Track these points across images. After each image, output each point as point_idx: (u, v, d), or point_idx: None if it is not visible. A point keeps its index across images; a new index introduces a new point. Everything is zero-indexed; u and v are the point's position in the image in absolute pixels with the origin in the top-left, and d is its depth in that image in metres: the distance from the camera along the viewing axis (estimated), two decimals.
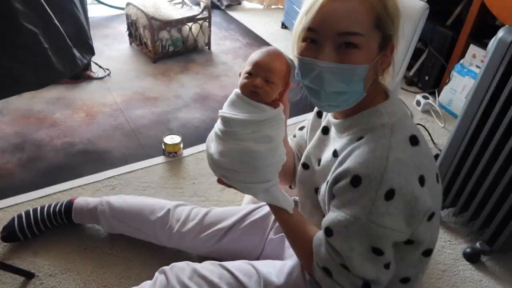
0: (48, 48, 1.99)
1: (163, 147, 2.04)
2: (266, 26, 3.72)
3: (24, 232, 1.51)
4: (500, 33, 1.38)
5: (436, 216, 0.88)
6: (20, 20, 1.63)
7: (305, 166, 1.06)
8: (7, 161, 1.93)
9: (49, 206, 1.56)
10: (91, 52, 2.43)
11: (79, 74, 2.57)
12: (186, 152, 2.09)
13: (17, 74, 1.71)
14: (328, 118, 1.01)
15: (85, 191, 1.81)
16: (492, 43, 1.41)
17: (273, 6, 4.24)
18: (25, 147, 2.03)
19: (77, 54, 2.22)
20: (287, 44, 3.37)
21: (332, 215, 0.85)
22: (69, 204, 1.56)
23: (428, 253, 0.93)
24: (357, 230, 0.81)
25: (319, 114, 1.12)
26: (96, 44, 2.54)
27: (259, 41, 3.42)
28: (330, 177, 0.88)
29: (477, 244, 1.64)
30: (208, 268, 1.14)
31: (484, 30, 2.39)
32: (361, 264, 0.83)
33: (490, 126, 1.47)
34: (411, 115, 0.93)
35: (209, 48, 3.20)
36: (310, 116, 1.15)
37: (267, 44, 3.38)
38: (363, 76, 0.81)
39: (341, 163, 0.85)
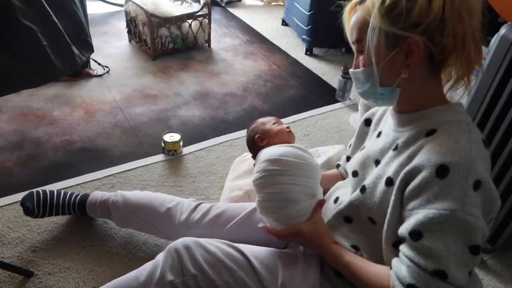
0: (46, 45, 1.99)
1: (163, 145, 2.03)
2: (267, 23, 3.71)
3: (39, 210, 1.54)
4: (503, 30, 1.37)
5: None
6: (18, 16, 1.62)
7: (363, 189, 0.96)
8: (5, 159, 1.93)
9: (65, 194, 1.59)
10: (90, 49, 2.42)
11: (78, 71, 2.57)
12: (185, 150, 2.09)
13: (15, 71, 1.71)
14: (386, 116, 1.05)
15: (84, 190, 1.80)
16: (494, 40, 1.40)
17: (273, 3, 4.24)
18: (24, 145, 2.03)
19: (76, 51, 2.22)
20: (287, 41, 3.38)
21: (417, 217, 0.78)
22: (85, 197, 1.58)
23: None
24: (454, 224, 0.75)
25: (367, 122, 1.13)
26: (95, 41, 2.54)
27: (260, 38, 3.42)
28: (395, 177, 0.84)
29: None
30: (226, 251, 1.10)
31: (486, 27, 2.38)
32: (456, 267, 0.75)
33: (492, 124, 1.47)
34: None
35: (209, 45, 3.19)
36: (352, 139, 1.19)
37: (268, 41, 3.38)
38: (375, 77, 0.88)
39: (410, 158, 0.83)
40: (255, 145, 1.31)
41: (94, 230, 1.62)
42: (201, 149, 2.11)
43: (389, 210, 0.86)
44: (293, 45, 3.36)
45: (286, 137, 1.28)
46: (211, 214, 1.33)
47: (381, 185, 0.89)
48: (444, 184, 0.76)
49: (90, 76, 2.65)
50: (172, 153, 2.03)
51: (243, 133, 2.23)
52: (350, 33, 0.93)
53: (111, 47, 3.06)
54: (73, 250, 1.54)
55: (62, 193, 1.60)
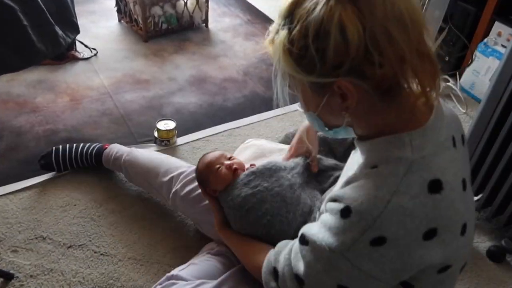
0: (27, 26, 1.97)
1: (156, 134, 2.02)
2: (270, 1, 3.67)
3: (59, 165, 1.81)
4: None
5: (452, 270, 0.82)
6: None
7: None
8: None
9: (83, 146, 1.84)
10: (76, 30, 2.41)
11: (63, 54, 2.54)
12: (180, 140, 2.07)
13: None
14: None
15: (70, 183, 1.79)
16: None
17: None
18: (3, 135, 2.01)
19: (60, 32, 2.20)
20: None
21: (314, 229, 0.83)
22: (101, 149, 1.81)
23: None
24: (329, 259, 0.78)
25: None
26: (81, 21, 2.52)
27: (262, 18, 3.39)
28: (332, 192, 0.86)
29: (502, 242, 1.62)
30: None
31: (510, 6, 2.35)
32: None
33: (507, 130, 1.45)
34: (453, 143, 0.84)
35: (206, 25, 3.17)
36: None
37: (271, 21, 3.34)
38: (320, 121, 0.85)
39: (346, 183, 0.82)
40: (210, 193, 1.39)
41: (80, 227, 1.61)
42: (197, 139, 2.10)
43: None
44: None
45: (233, 178, 1.31)
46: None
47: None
48: (340, 224, 0.77)
49: (76, 59, 2.63)
50: (165, 143, 2.02)
51: (243, 121, 2.22)
52: None
53: (99, 27, 3.03)
54: (57, 250, 1.53)
55: (81, 145, 1.84)
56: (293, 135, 1.87)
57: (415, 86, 0.75)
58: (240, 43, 2.99)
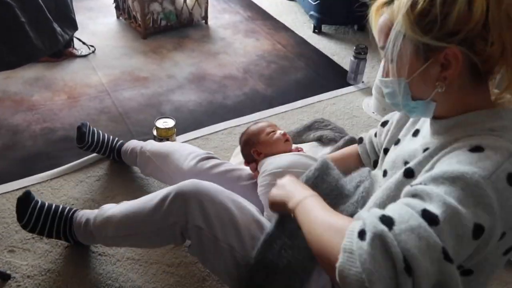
0: (25, 22, 1.96)
1: (154, 132, 2.01)
2: None
3: (89, 140, 1.79)
4: None
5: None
6: None
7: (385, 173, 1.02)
8: None
9: (114, 138, 1.87)
10: (74, 26, 2.40)
11: (60, 51, 2.54)
12: (179, 139, 2.06)
13: None
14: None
15: (67, 182, 1.79)
16: None
17: None
18: None
19: (58, 28, 2.19)
20: (293, 18, 3.34)
21: (429, 173, 0.73)
22: (122, 144, 1.84)
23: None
24: (468, 188, 0.68)
25: None
26: (79, 18, 2.52)
27: (263, 15, 3.38)
28: (423, 159, 0.84)
29: None
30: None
31: None
32: (449, 230, 0.66)
33: None
34: None
35: (206, 22, 3.16)
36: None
37: (271, 17, 3.34)
38: (406, 90, 0.85)
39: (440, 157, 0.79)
40: (250, 157, 1.39)
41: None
42: (196, 138, 2.09)
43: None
44: (299, 22, 3.33)
45: (283, 147, 1.33)
46: (222, 168, 1.46)
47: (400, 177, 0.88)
48: (472, 157, 0.72)
49: (74, 56, 2.62)
50: (164, 141, 2.01)
51: (243, 120, 2.21)
52: (377, 37, 0.90)
53: (97, 24, 3.03)
54: (55, 251, 1.53)
55: (112, 137, 1.87)
56: (294, 134, 1.88)
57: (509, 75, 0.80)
58: (240, 40, 2.99)
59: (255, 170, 1.42)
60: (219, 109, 2.29)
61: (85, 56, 2.65)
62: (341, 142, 1.58)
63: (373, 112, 2.33)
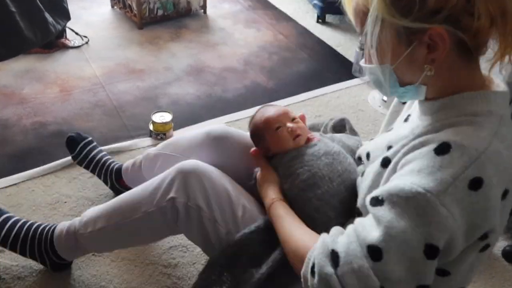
0: (15, 12, 1.95)
1: (151, 127, 2.00)
2: None
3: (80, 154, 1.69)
4: None
5: (487, 253, 0.82)
6: None
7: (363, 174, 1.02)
8: None
9: (108, 159, 1.71)
10: (67, 16, 2.39)
11: (52, 42, 2.53)
12: (176, 134, 2.05)
13: None
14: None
15: (60, 179, 1.78)
16: None
17: None
18: None
19: (50, 18, 2.18)
20: (296, 7, 3.33)
21: (389, 184, 0.77)
22: (120, 167, 1.66)
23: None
24: (420, 207, 0.71)
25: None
26: (72, 7, 2.50)
27: (264, 4, 3.37)
28: (400, 148, 0.84)
29: None
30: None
31: None
32: (396, 259, 0.72)
33: None
34: None
35: (205, 11, 3.15)
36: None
37: (273, 7, 3.33)
38: (392, 76, 0.83)
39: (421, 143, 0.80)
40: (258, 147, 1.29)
41: None
42: None
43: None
44: (302, 11, 3.31)
45: (293, 143, 1.20)
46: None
47: (376, 167, 0.90)
48: (435, 161, 0.73)
49: (66, 47, 2.62)
50: (161, 136, 2.00)
51: (243, 113, 2.20)
52: (353, 21, 0.87)
53: (90, 14, 3.02)
54: None
55: (107, 156, 1.72)
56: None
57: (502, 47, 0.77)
58: (241, 31, 2.98)
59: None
60: (218, 103, 2.28)
61: (78, 47, 2.64)
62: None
63: (379, 106, 2.32)
